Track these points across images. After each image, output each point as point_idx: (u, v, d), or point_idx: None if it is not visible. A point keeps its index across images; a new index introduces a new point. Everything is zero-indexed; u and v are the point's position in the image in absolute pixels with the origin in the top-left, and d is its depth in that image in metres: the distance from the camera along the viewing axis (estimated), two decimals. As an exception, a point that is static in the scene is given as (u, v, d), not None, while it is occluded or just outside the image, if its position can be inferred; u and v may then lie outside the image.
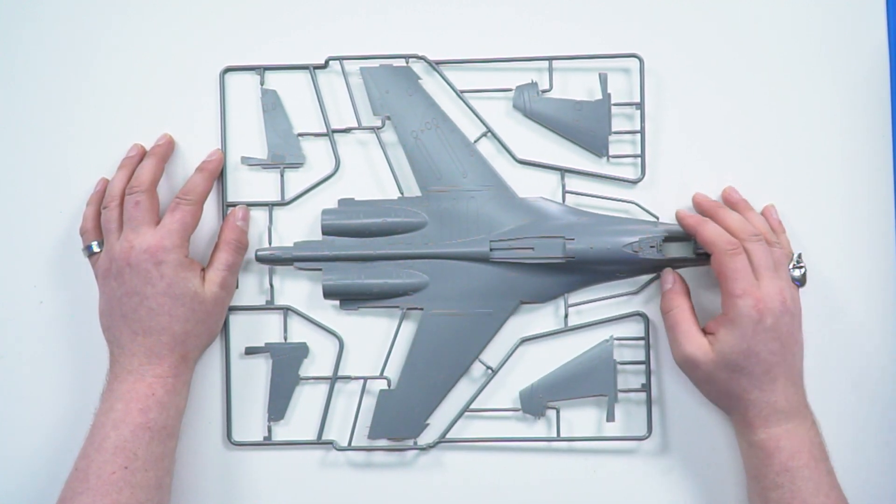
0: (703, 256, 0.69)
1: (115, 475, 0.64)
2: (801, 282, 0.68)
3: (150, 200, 0.69)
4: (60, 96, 0.74)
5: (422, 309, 0.72)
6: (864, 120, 0.72)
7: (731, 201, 0.71)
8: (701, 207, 0.71)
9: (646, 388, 0.72)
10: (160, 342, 0.67)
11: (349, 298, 0.72)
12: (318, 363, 0.73)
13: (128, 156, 0.72)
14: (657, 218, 0.72)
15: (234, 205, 0.73)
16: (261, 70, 0.73)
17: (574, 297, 0.72)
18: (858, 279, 0.72)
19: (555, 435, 0.72)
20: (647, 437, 0.72)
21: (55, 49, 0.74)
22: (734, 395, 0.66)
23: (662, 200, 0.72)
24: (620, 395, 0.72)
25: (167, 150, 0.72)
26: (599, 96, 0.72)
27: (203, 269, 0.70)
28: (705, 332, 0.67)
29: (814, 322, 0.70)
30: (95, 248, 0.70)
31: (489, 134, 0.72)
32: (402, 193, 0.72)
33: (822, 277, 0.72)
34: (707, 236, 0.67)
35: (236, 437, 0.73)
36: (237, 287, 0.73)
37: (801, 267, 0.68)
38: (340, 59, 0.73)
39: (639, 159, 0.72)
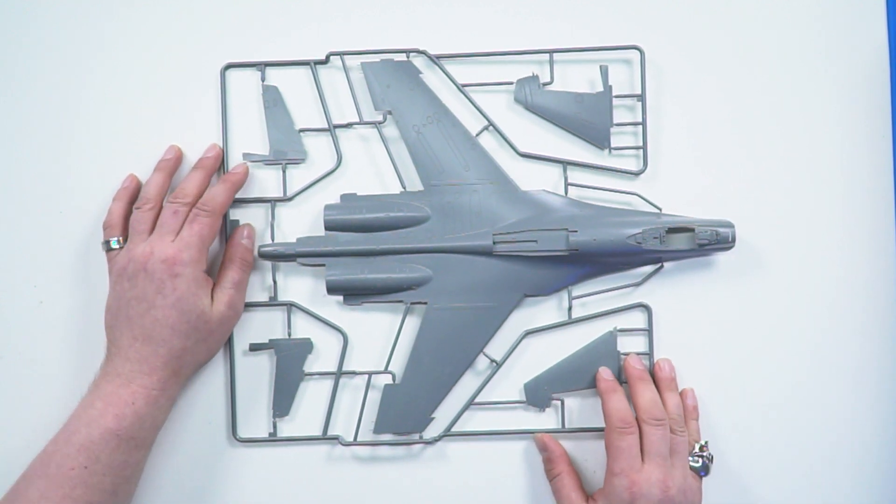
0: (705, 247, 0.70)
1: (73, 471, 0.64)
2: (704, 471, 0.68)
3: (188, 213, 0.69)
4: (60, 94, 0.73)
5: (426, 303, 0.72)
6: (864, 119, 0.72)
7: (658, 377, 0.71)
8: (626, 373, 0.71)
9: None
10: (156, 354, 0.67)
11: (353, 294, 0.72)
12: (323, 359, 0.73)
13: (164, 158, 0.71)
14: (659, 209, 0.72)
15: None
16: (262, 66, 0.73)
17: (577, 290, 0.72)
18: (858, 278, 0.72)
19: (560, 426, 0.72)
20: (651, 428, 0.72)
21: (56, 46, 0.73)
22: None
23: (665, 192, 0.72)
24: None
25: (215, 163, 0.72)
26: (601, 89, 0.72)
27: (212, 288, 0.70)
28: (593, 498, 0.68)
29: (815, 322, 0.71)
30: (114, 245, 0.70)
31: (491, 127, 0.72)
32: (404, 188, 0.72)
33: (822, 277, 0.72)
34: (606, 409, 0.68)
35: (241, 433, 0.73)
36: (244, 307, 0.72)
37: (702, 456, 0.68)
38: (341, 54, 0.72)
39: (640, 151, 0.72)
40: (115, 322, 0.68)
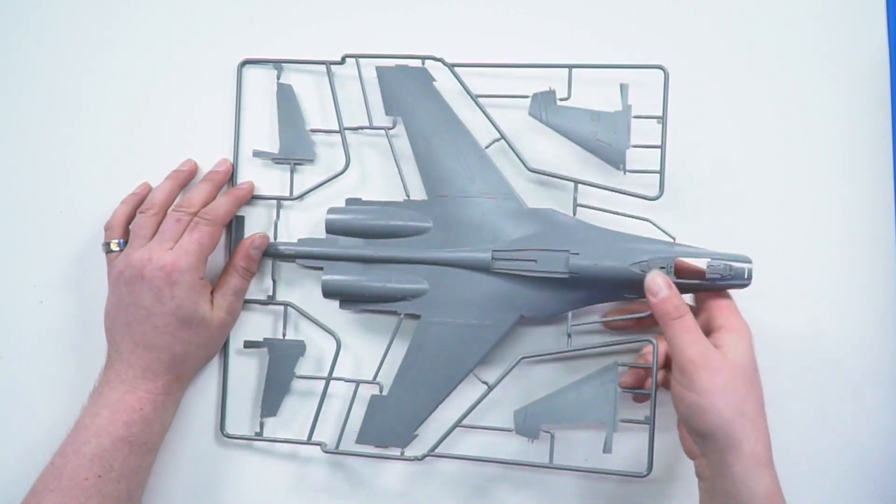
0: (717, 282, 0.64)
1: (87, 481, 0.64)
2: None
3: (191, 223, 0.69)
4: (68, 92, 0.75)
5: (419, 316, 0.69)
6: (865, 119, 0.69)
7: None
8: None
9: (649, 420, 0.67)
10: (159, 360, 0.67)
11: (348, 299, 0.70)
12: (315, 362, 0.72)
13: (178, 169, 0.72)
14: (673, 238, 0.67)
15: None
16: (278, 64, 0.73)
17: (580, 317, 0.68)
18: (858, 280, 0.68)
19: (547, 461, 0.68)
20: (646, 475, 0.66)
21: (68, 43, 0.75)
22: (748, 416, 0.59)
23: (680, 220, 0.68)
24: (621, 424, 0.66)
25: (224, 178, 0.72)
26: (619, 107, 0.68)
27: (213, 292, 0.70)
28: None
29: (814, 324, 0.69)
30: (114, 247, 0.70)
31: (502, 141, 0.70)
32: (408, 196, 0.71)
33: (822, 278, 0.68)
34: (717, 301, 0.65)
35: (229, 429, 0.72)
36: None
37: None
38: (357, 56, 0.72)
39: (658, 175, 0.68)
40: (114, 327, 0.68)
